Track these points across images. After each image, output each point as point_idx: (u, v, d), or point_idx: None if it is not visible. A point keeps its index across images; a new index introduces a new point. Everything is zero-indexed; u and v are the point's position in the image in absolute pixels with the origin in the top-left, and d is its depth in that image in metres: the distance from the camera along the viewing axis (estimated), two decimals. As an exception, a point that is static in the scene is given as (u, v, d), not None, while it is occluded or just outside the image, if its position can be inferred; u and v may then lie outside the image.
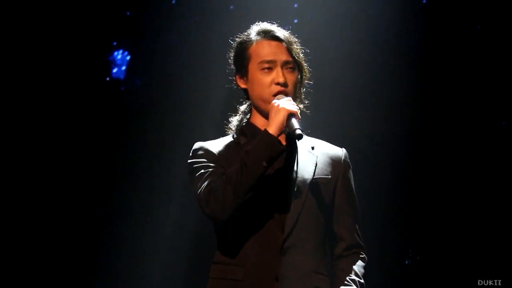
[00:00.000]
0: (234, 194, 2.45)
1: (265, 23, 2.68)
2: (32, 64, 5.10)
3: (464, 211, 4.68)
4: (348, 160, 2.71)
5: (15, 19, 5.04)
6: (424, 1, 4.88)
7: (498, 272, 4.49)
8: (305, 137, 2.64)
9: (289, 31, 2.70)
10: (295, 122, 2.45)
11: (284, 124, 2.46)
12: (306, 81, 2.70)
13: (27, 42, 5.06)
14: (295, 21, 4.88)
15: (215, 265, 2.59)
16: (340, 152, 2.71)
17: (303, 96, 2.71)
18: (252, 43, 2.64)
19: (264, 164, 2.44)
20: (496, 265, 4.53)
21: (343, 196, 2.65)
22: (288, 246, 2.52)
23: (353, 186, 2.70)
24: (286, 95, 2.57)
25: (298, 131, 2.42)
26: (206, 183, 2.51)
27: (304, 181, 2.59)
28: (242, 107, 2.75)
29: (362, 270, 2.61)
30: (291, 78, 2.61)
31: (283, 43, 2.61)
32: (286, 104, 2.49)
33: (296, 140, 2.55)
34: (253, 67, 2.62)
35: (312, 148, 2.68)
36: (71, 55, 5.11)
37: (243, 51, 2.65)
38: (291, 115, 2.47)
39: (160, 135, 5.12)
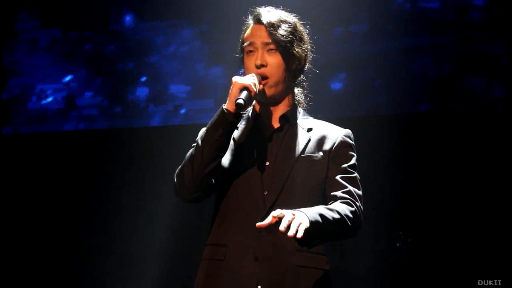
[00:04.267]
0: (192, 170, 2.49)
1: (260, 7, 2.66)
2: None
3: (464, 211, 4.63)
4: (347, 140, 2.62)
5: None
6: None
7: (498, 272, 4.45)
8: (309, 118, 2.67)
9: (292, 14, 2.66)
10: (243, 94, 2.43)
11: (237, 97, 2.45)
12: (307, 59, 2.66)
13: None
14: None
15: (206, 246, 2.59)
16: (339, 132, 2.64)
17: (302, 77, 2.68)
18: (245, 29, 2.65)
19: (215, 136, 2.46)
20: (496, 265, 4.49)
21: (336, 174, 2.56)
22: (270, 227, 2.44)
23: (350, 164, 2.59)
24: (266, 77, 2.56)
25: (238, 100, 2.41)
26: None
27: (289, 159, 2.53)
28: None
29: (346, 210, 2.44)
30: (272, 59, 2.57)
31: (264, 25, 2.58)
32: (241, 78, 2.48)
33: (288, 120, 2.59)
34: (243, 52, 2.63)
35: (310, 129, 2.63)
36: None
37: (240, 38, 2.66)
38: (244, 88, 2.45)
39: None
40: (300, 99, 2.72)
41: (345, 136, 2.63)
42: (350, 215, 2.43)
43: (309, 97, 2.74)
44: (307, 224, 2.26)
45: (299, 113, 2.68)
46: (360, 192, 2.54)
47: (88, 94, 5.41)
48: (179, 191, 2.55)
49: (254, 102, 2.65)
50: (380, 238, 4.69)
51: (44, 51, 5.48)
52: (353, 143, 2.64)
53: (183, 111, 5.25)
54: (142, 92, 5.32)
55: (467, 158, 4.69)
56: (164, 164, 4.44)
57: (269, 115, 2.64)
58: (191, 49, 5.26)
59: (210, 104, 5.13)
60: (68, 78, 5.46)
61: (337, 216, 2.38)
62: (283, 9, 2.67)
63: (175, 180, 2.54)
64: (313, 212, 2.32)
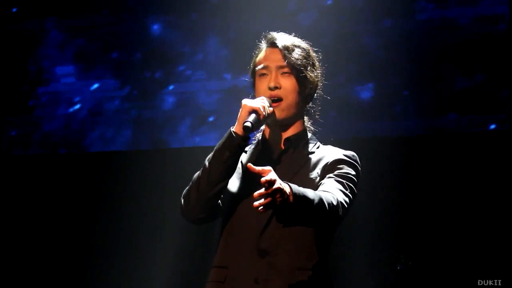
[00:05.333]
0: (198, 191, 2.51)
1: (272, 32, 2.69)
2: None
3: (464, 211, 4.61)
4: (345, 158, 2.59)
5: None
6: None
7: (498, 272, 4.44)
8: (317, 144, 2.67)
9: (303, 40, 2.70)
10: (251, 117, 2.45)
11: (245, 120, 2.47)
12: (318, 86, 2.69)
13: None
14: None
15: (211, 268, 2.61)
16: (339, 152, 2.63)
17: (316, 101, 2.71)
18: (258, 53, 2.68)
19: (222, 158, 2.48)
20: (496, 265, 4.47)
21: (326, 179, 2.54)
22: (265, 247, 2.50)
23: (344, 171, 2.55)
24: (279, 99, 2.58)
25: (245, 123, 2.43)
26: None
27: (283, 179, 2.46)
28: None
29: (328, 197, 2.38)
30: (286, 82, 2.60)
31: (278, 49, 2.61)
32: (251, 101, 2.50)
33: (292, 144, 2.61)
34: (254, 74, 2.66)
35: (312, 152, 2.64)
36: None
37: (252, 62, 2.69)
38: (253, 111, 2.48)
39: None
40: (309, 125, 2.73)
41: (344, 155, 2.62)
42: (330, 202, 2.36)
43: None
44: (289, 192, 2.24)
45: (306, 138, 2.67)
46: (347, 192, 2.48)
47: (116, 102, 5.43)
48: (185, 212, 2.57)
49: (263, 126, 2.67)
50: (380, 261, 4.69)
51: (71, 59, 5.51)
52: (354, 162, 2.61)
53: (211, 119, 5.26)
54: (169, 100, 5.33)
55: (468, 155, 4.69)
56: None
57: (278, 139, 2.65)
58: (218, 57, 5.26)
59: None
60: (95, 86, 5.49)
61: (317, 198, 2.33)
62: (296, 35, 2.70)
63: (182, 200, 2.57)
64: (298, 187, 2.29)
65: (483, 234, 4.56)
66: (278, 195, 2.19)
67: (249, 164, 2.28)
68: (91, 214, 5.33)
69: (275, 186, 2.18)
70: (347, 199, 2.46)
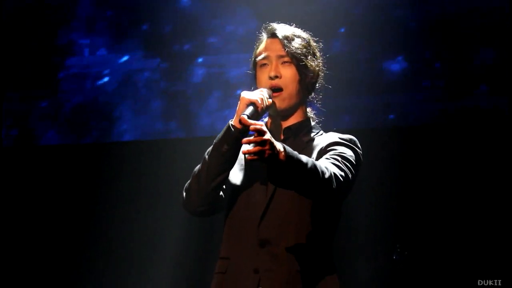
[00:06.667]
0: (198, 184, 2.53)
1: (273, 23, 2.71)
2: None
3: (464, 210, 4.61)
4: (342, 141, 2.59)
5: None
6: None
7: (498, 272, 4.45)
8: (320, 132, 2.67)
9: (305, 31, 2.71)
10: (248, 109, 2.45)
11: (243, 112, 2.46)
12: (320, 76, 2.70)
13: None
14: None
15: (218, 260, 2.64)
16: (336, 136, 2.63)
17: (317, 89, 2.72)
18: (258, 44, 2.70)
19: (221, 151, 2.49)
20: (496, 265, 4.48)
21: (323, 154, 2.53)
22: (265, 237, 2.52)
23: (340, 149, 2.53)
24: (280, 89, 2.59)
25: (242, 116, 2.38)
26: None
27: None
28: None
29: (322, 166, 2.36)
30: (286, 71, 2.61)
31: (278, 39, 2.63)
32: (250, 93, 2.51)
33: (292, 133, 2.62)
34: (256, 66, 2.68)
35: (310, 140, 2.64)
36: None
37: (253, 53, 2.70)
38: (251, 103, 2.48)
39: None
40: (312, 115, 2.73)
41: (340, 138, 2.61)
42: (323, 171, 2.35)
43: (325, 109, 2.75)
44: (281, 150, 2.24)
45: (309, 127, 2.67)
46: (342, 167, 2.46)
47: (146, 74, 5.44)
48: (186, 204, 2.60)
49: (266, 117, 2.69)
50: (376, 252, 4.69)
51: (100, 31, 5.52)
52: (351, 144, 2.60)
53: (239, 91, 5.24)
54: (199, 72, 5.33)
55: (468, 154, 4.67)
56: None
57: (278, 129, 2.66)
58: (247, 30, 5.25)
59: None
60: (124, 58, 5.49)
61: (310, 163, 2.32)
62: (296, 26, 2.71)
63: (183, 193, 2.60)
64: (292, 150, 2.30)
65: (483, 234, 4.56)
66: (267, 147, 2.19)
67: (242, 116, 2.32)
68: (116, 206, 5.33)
69: (265, 137, 2.20)
70: (342, 173, 2.43)
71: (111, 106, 5.43)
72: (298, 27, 2.72)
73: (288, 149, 2.27)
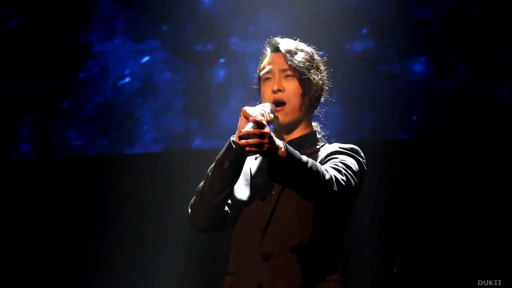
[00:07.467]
0: (202, 201, 2.55)
1: (276, 38, 2.72)
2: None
3: (464, 210, 4.59)
4: (342, 150, 2.59)
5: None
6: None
7: (498, 272, 4.44)
8: (324, 144, 2.67)
9: (309, 45, 2.73)
10: (248, 125, 2.37)
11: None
12: (324, 89, 2.70)
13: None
14: None
15: (225, 276, 2.66)
16: (336, 146, 2.63)
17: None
18: (262, 59, 2.72)
19: (223, 167, 2.49)
20: (496, 265, 4.47)
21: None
22: (268, 251, 2.53)
23: (340, 161, 2.51)
24: (283, 103, 2.59)
25: (243, 108, 2.41)
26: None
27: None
28: None
29: (323, 169, 2.36)
30: (289, 85, 2.62)
31: (281, 53, 2.64)
32: (251, 109, 2.49)
33: (295, 147, 2.54)
34: (260, 80, 2.69)
35: (314, 152, 2.64)
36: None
37: (258, 68, 2.72)
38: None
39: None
40: (318, 129, 2.73)
41: (340, 147, 2.61)
42: (324, 173, 2.34)
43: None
44: (281, 146, 2.25)
45: (314, 140, 2.66)
46: (343, 171, 2.45)
47: (167, 74, 5.43)
48: (191, 221, 2.62)
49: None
50: (377, 264, 4.67)
51: (121, 31, 5.52)
52: (352, 153, 2.59)
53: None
54: (219, 73, 5.32)
55: (468, 154, 4.66)
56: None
57: None
58: (268, 30, 5.23)
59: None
60: (145, 59, 5.49)
61: (311, 163, 2.32)
62: (300, 41, 2.73)
63: (189, 209, 2.62)
64: (293, 149, 2.31)
65: (482, 234, 4.55)
66: (266, 140, 2.20)
67: (244, 109, 2.35)
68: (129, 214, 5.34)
69: (264, 130, 2.21)
70: (343, 178, 2.42)
71: (132, 106, 5.43)
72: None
73: (290, 147, 2.29)
